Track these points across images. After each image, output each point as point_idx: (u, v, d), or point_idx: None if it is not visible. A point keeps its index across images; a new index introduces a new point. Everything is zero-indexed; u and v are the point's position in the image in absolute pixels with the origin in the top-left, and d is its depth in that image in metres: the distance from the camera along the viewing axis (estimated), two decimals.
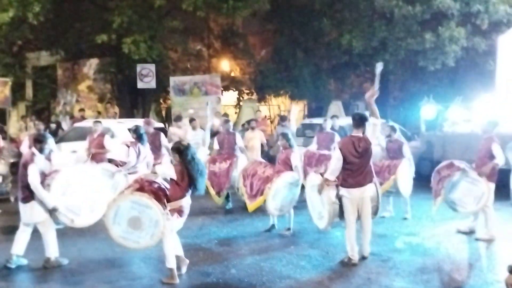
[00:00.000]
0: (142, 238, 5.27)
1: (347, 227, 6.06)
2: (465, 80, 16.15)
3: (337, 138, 10.22)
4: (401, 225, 7.98)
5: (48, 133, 6.49)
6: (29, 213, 5.82)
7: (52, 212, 5.79)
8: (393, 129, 8.54)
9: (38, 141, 5.95)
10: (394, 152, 8.47)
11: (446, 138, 11.90)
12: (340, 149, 5.98)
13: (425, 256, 6.37)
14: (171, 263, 5.35)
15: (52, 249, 5.93)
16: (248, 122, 11.07)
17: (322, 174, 6.55)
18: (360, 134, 6.06)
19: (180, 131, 10.74)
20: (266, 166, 7.60)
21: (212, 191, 8.55)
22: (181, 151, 5.43)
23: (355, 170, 5.95)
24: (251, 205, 7.35)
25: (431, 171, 8.00)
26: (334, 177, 6.05)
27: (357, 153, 5.92)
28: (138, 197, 5.23)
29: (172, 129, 10.91)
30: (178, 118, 11.26)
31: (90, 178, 6.37)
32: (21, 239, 5.91)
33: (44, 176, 5.86)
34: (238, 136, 9.35)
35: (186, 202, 5.44)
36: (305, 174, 8.34)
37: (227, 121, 9.68)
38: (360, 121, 6.10)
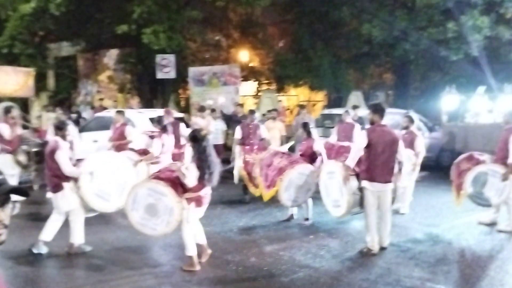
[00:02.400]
0: (158, 225, 5.35)
1: (368, 218, 6.04)
2: (488, 70, 15.86)
3: (357, 129, 10.16)
4: (421, 216, 7.92)
5: (67, 121, 6.55)
6: (61, 201, 5.90)
7: (91, 174, 5.88)
8: (410, 120, 8.22)
9: (59, 129, 6.02)
10: (406, 144, 8.25)
11: (468, 129, 11.72)
12: (368, 135, 5.88)
13: (445, 247, 6.33)
14: (191, 251, 5.41)
15: (78, 236, 6.03)
16: (270, 111, 11.07)
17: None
18: (386, 125, 6.03)
19: (203, 122, 10.80)
20: (283, 157, 7.58)
21: (249, 183, 8.47)
22: (195, 139, 5.45)
23: (381, 164, 5.89)
24: (265, 195, 7.39)
25: (452, 162, 7.89)
26: (354, 164, 5.98)
27: (385, 143, 5.88)
28: (154, 184, 5.30)
29: (195, 119, 10.97)
30: (202, 109, 11.31)
31: (115, 162, 6.43)
32: (52, 227, 5.96)
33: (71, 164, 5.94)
34: (262, 127, 9.32)
35: (205, 192, 5.47)
36: None
37: (252, 112, 9.61)
38: (383, 112, 6.07)
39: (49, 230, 5.97)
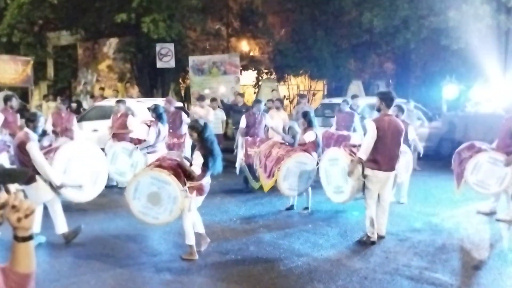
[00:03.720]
0: (161, 214, 5.35)
1: (369, 206, 6.02)
2: (489, 60, 15.79)
3: (357, 118, 10.15)
4: (420, 206, 7.92)
5: (40, 112, 6.43)
6: (35, 193, 5.75)
7: (58, 188, 5.77)
8: (400, 109, 7.84)
9: (31, 120, 5.86)
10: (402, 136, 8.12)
11: (468, 118, 11.73)
12: (377, 127, 5.82)
13: (444, 236, 6.34)
14: (191, 240, 5.42)
15: (61, 225, 5.97)
16: (273, 101, 10.92)
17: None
18: (392, 115, 6.02)
19: (203, 111, 10.76)
20: (281, 147, 7.57)
21: (249, 175, 8.39)
22: (196, 129, 5.44)
23: (387, 153, 5.88)
24: (265, 186, 7.40)
25: (452, 152, 7.88)
26: (366, 156, 5.88)
27: (391, 132, 5.87)
28: (158, 173, 5.30)
29: (194, 109, 10.92)
30: (201, 98, 11.22)
31: (88, 152, 6.37)
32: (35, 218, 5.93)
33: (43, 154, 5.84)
34: (267, 117, 9.26)
35: (206, 181, 5.49)
36: None
37: (258, 102, 9.56)
38: (391, 101, 6.03)
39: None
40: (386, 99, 6.02)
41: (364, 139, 6.07)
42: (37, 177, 5.71)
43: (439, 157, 12.13)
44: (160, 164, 5.48)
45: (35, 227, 5.87)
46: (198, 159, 5.30)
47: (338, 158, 6.50)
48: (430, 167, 11.03)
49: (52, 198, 5.88)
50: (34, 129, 5.85)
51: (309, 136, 7.43)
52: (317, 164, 7.30)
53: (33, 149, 5.62)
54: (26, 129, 5.84)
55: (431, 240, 6.19)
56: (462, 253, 5.79)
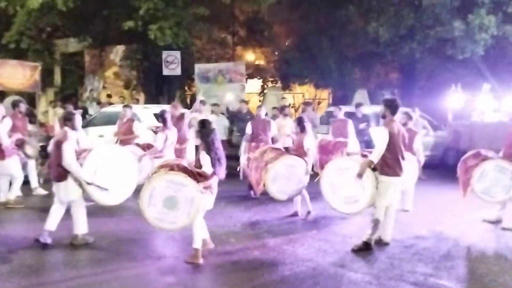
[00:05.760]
0: (178, 217, 5.25)
1: (381, 212, 5.98)
2: (495, 70, 15.77)
3: (351, 125, 10.13)
4: (425, 213, 7.90)
5: (76, 111, 6.60)
6: (63, 191, 5.95)
7: (89, 185, 5.86)
8: (409, 117, 7.93)
9: (69, 119, 6.07)
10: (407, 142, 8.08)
11: (473, 127, 11.68)
12: (390, 133, 5.85)
13: (449, 244, 6.31)
14: (198, 243, 5.40)
15: (82, 227, 6.09)
16: (282, 108, 10.75)
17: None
18: (396, 121, 6.08)
19: (200, 117, 10.75)
20: (272, 151, 7.57)
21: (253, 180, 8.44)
22: (204, 127, 5.49)
23: (399, 158, 5.92)
24: (257, 190, 7.43)
25: (458, 161, 7.86)
26: (377, 160, 5.89)
27: (401, 138, 5.95)
28: (173, 176, 5.25)
29: (192, 115, 10.93)
30: (202, 102, 11.18)
31: (120, 156, 6.44)
32: (55, 217, 6.03)
33: (76, 154, 5.96)
34: (273, 124, 9.27)
35: (214, 181, 5.50)
36: (321, 164, 8.37)
37: (259, 107, 9.54)
38: (396, 108, 6.09)
39: (53, 220, 6.03)
40: (391, 106, 6.09)
41: (378, 144, 6.01)
42: (68, 175, 5.87)
43: (444, 166, 12.11)
44: (171, 168, 5.45)
45: (52, 225, 5.94)
46: (205, 158, 5.35)
47: (350, 167, 6.29)
48: (435, 176, 11.00)
49: (79, 198, 6.02)
50: (72, 127, 6.03)
51: (308, 143, 7.42)
52: (311, 172, 7.30)
53: (67, 149, 5.78)
54: (65, 128, 6.00)
55: (436, 247, 6.17)
56: (467, 261, 5.76)
